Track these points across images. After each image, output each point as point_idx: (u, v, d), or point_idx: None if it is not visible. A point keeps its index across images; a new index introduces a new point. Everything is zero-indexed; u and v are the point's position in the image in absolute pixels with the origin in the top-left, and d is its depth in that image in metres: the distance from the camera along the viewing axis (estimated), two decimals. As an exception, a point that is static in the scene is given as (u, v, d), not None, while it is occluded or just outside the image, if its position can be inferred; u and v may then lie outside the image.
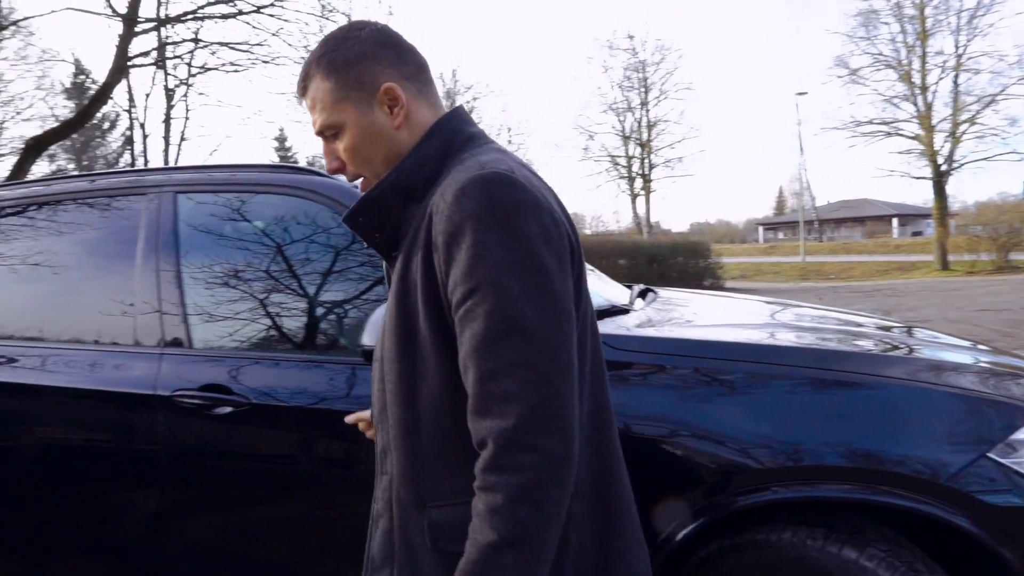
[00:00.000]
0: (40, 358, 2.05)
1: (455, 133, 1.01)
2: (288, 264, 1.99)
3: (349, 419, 1.30)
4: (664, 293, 2.62)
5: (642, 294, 2.49)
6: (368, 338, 1.57)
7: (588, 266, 1.57)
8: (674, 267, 16.51)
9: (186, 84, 18.11)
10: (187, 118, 19.97)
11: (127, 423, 1.92)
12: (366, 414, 1.26)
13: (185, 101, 19.43)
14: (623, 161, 33.36)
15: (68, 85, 24.24)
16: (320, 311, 1.99)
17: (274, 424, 1.83)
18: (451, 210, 0.86)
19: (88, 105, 9.98)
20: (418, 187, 0.99)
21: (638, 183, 33.39)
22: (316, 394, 1.81)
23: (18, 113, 22.94)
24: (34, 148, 10.02)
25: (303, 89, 1.04)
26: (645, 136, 32.76)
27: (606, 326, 1.74)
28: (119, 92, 16.55)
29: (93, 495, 1.98)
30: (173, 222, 2.06)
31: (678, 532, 1.48)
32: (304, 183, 1.98)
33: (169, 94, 18.65)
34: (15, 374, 2.04)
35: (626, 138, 33.07)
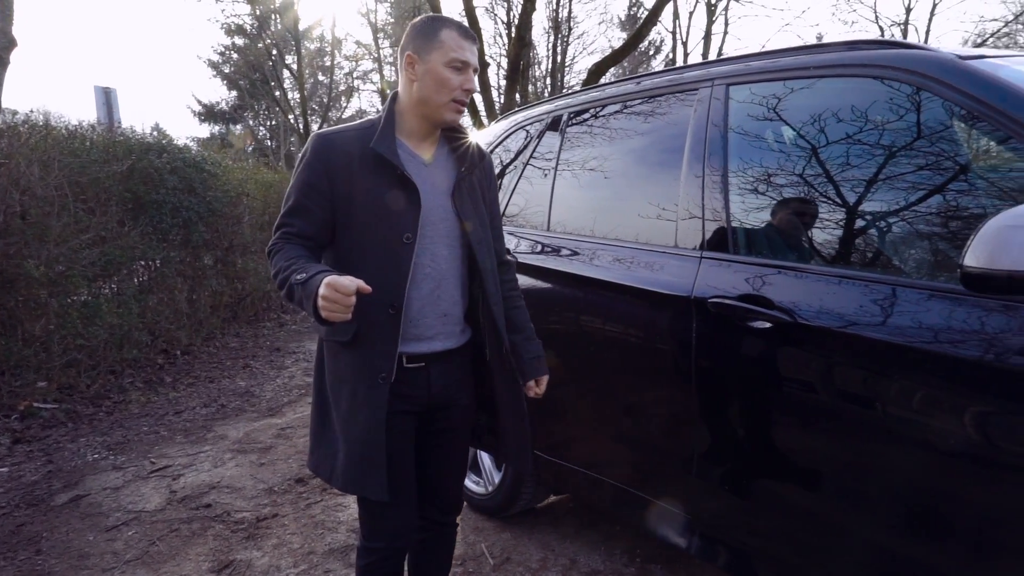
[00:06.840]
0: (591, 252, 2.20)
1: None
2: (883, 162, 1.59)
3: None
4: None
5: None
6: (977, 257, 1.14)
7: None
8: None
9: (729, -6, 18.27)
10: (725, 32, 20.22)
11: (661, 323, 1.90)
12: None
13: (725, 15, 19.66)
14: None
15: (623, 18, 27.08)
16: (889, 220, 1.57)
17: (815, 347, 1.54)
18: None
19: (639, 28, 10.88)
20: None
21: None
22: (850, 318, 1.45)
23: (584, 48, 27.00)
24: (595, 74, 11.52)
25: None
26: None
27: None
28: (666, 14, 17.75)
29: (621, 387, 2.07)
30: (723, 118, 1.90)
31: None
32: (891, 59, 1.56)
33: (711, 9, 19.07)
34: (571, 264, 2.25)
35: None
